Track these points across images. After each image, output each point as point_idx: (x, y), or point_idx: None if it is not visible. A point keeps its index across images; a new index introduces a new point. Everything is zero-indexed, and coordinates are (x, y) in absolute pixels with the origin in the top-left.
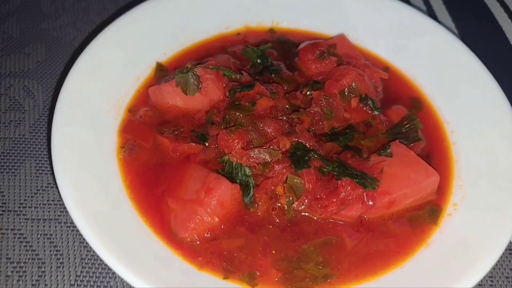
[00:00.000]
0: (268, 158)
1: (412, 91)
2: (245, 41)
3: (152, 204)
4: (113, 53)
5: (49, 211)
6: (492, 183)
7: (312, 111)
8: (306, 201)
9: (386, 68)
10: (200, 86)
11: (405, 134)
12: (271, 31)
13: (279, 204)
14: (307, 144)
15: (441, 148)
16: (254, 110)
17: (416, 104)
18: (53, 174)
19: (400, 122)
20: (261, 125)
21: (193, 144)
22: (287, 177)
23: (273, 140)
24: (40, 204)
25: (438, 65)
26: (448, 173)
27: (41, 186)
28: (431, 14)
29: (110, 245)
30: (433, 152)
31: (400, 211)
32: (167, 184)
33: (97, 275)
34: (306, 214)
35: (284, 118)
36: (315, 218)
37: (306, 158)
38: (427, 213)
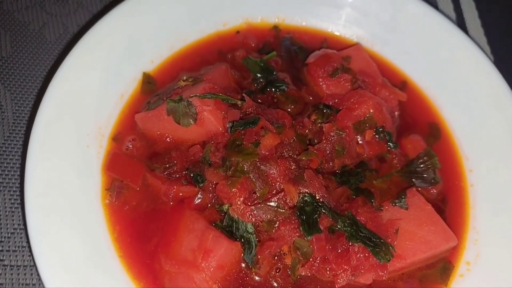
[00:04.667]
0: (273, 217)
1: (430, 115)
2: (246, 44)
3: (144, 262)
4: (91, 69)
5: (29, 256)
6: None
7: (322, 148)
8: (314, 267)
9: (404, 83)
10: (195, 117)
11: (421, 174)
12: (276, 28)
13: (287, 264)
14: (316, 196)
15: (457, 189)
16: (258, 154)
17: (434, 132)
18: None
19: (417, 159)
20: (265, 169)
21: (187, 186)
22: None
23: (280, 195)
24: (18, 247)
25: (462, 87)
26: (462, 222)
27: (18, 225)
28: (460, 23)
29: None
30: (449, 193)
31: (411, 270)
32: (160, 236)
33: None
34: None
35: (291, 154)
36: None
37: (316, 216)
38: (438, 272)
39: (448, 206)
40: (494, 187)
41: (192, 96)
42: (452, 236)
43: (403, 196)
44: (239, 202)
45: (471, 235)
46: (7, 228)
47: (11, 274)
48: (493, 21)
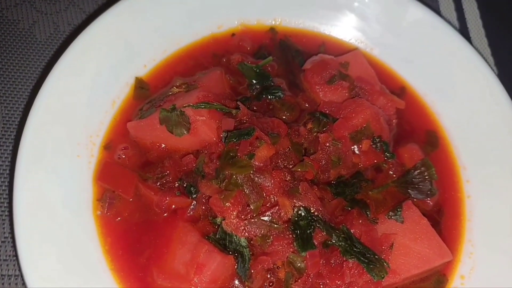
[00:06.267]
0: (267, 231)
1: (428, 122)
2: (241, 47)
3: (136, 275)
4: (82, 75)
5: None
6: (508, 258)
7: (318, 159)
8: (307, 283)
9: (403, 89)
10: (188, 126)
11: (417, 185)
12: (272, 30)
13: (280, 278)
14: (311, 209)
15: (454, 200)
16: (252, 167)
17: (431, 140)
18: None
19: (414, 169)
20: (260, 181)
21: (180, 197)
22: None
23: (274, 209)
24: (9, 256)
25: (462, 94)
26: (458, 235)
27: (9, 234)
28: (462, 25)
29: None
30: (445, 204)
31: (405, 284)
32: (152, 249)
33: None
34: None
35: (285, 164)
36: None
37: (310, 231)
38: (432, 286)
39: (444, 217)
40: (491, 199)
41: (185, 106)
42: (447, 252)
43: (398, 209)
44: (232, 217)
45: (466, 248)
46: None
47: (2, 284)
48: (495, 22)
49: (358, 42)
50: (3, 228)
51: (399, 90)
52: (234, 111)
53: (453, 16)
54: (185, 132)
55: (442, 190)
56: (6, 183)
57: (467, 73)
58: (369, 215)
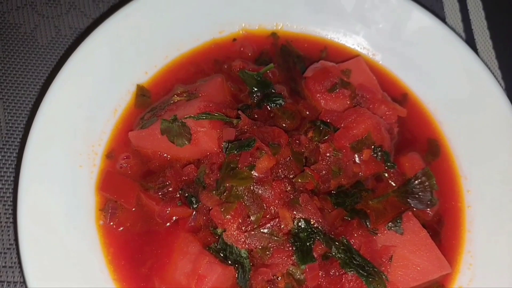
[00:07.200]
0: (267, 243)
1: (430, 130)
2: (242, 53)
3: (139, 285)
4: (83, 84)
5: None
6: (507, 270)
7: (318, 169)
8: None
9: (404, 96)
10: (189, 137)
11: (418, 194)
12: (274, 35)
13: (279, 287)
14: (311, 221)
15: (454, 209)
16: (253, 178)
17: (433, 149)
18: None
19: (414, 178)
20: (260, 193)
21: (182, 207)
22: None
23: (274, 221)
24: (14, 263)
25: (465, 103)
26: (457, 245)
27: (14, 240)
28: (467, 30)
29: None
30: (445, 214)
31: None
32: (155, 259)
33: None
34: None
35: (286, 174)
36: None
37: (310, 243)
38: None
39: (444, 228)
40: (492, 210)
41: (186, 117)
42: (446, 265)
43: (398, 221)
44: (233, 228)
45: (465, 259)
46: (3, 244)
47: None
48: (500, 23)
49: (360, 48)
50: (8, 235)
51: (401, 97)
52: (235, 121)
53: (457, 18)
54: (186, 142)
55: (443, 200)
56: (11, 190)
57: (470, 81)
58: (369, 226)
